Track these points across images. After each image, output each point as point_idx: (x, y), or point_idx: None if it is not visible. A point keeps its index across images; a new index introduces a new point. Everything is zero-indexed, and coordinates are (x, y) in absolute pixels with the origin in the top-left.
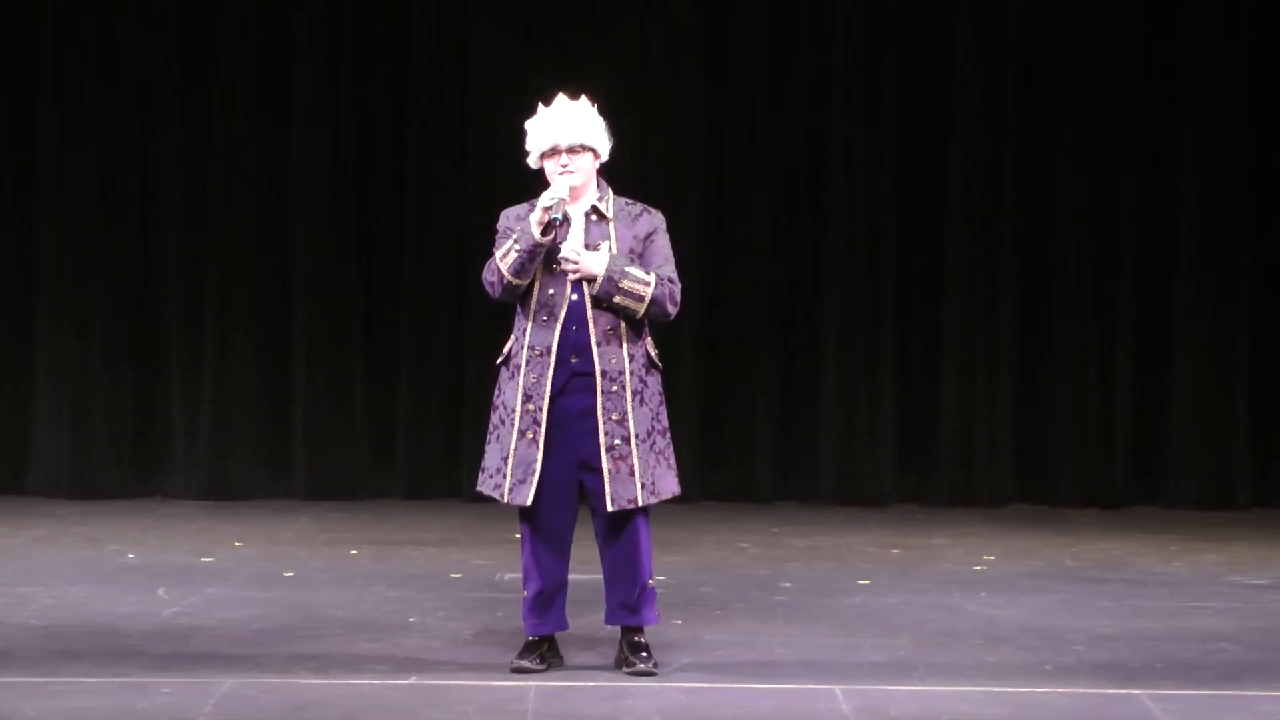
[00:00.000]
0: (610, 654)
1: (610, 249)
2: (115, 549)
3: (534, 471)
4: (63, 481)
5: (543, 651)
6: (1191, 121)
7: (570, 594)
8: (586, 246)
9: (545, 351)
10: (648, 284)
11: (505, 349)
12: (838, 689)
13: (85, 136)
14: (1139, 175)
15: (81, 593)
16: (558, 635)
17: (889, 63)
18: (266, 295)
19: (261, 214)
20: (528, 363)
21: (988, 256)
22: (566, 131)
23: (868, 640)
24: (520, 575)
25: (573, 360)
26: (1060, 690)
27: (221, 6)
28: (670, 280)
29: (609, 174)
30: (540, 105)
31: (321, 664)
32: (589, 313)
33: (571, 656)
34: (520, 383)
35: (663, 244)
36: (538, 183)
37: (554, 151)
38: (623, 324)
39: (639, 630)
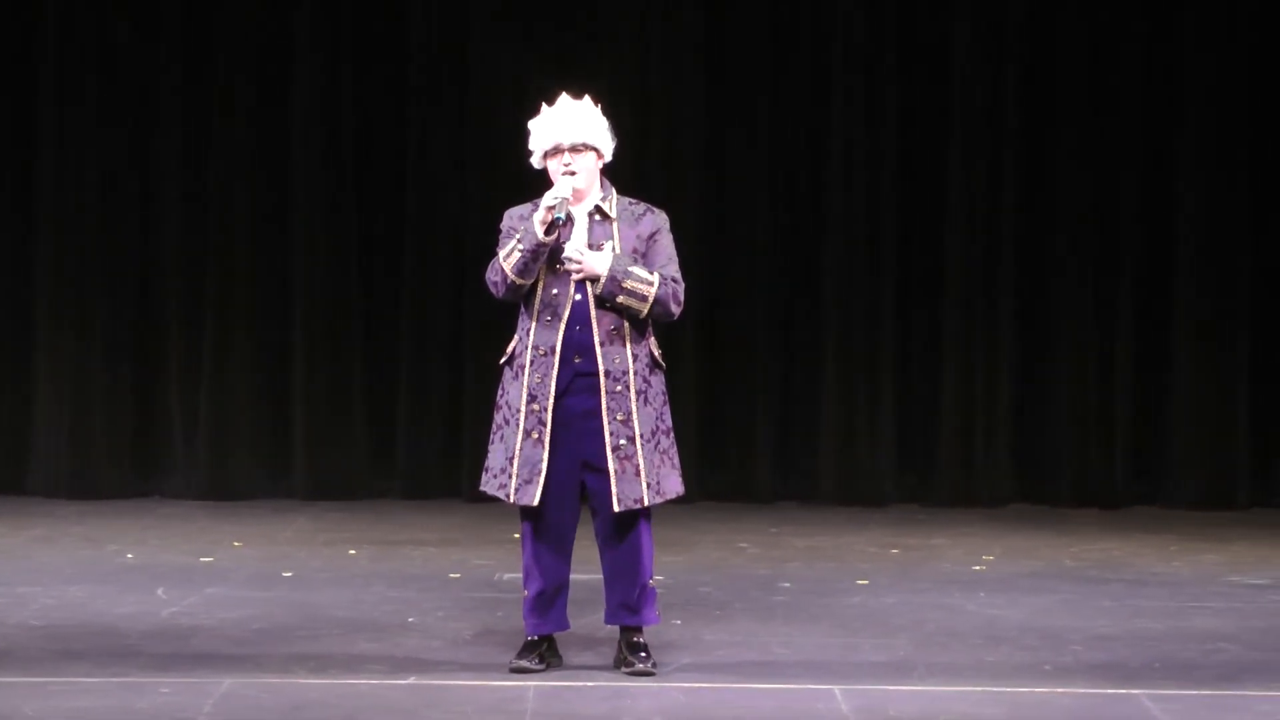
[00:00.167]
0: (609, 654)
1: (614, 249)
2: (114, 549)
3: (540, 471)
4: (62, 481)
5: (542, 651)
6: (1191, 121)
7: (570, 594)
8: (590, 246)
9: (549, 351)
10: (651, 284)
11: (509, 349)
12: (837, 689)
13: (85, 136)
14: (1139, 175)
15: (81, 593)
16: (557, 635)
17: (889, 63)
18: (266, 295)
19: (261, 214)
20: (532, 363)
21: (987, 256)
22: (570, 131)
23: (867, 640)
24: (520, 575)
25: (576, 360)
26: (1060, 690)
27: (221, 6)
28: (674, 280)
29: (610, 174)
30: (543, 104)
31: (321, 664)
32: (593, 313)
33: (571, 656)
34: (525, 383)
35: (666, 244)
36: (538, 182)
37: (557, 151)
38: (626, 324)
39: (638, 630)
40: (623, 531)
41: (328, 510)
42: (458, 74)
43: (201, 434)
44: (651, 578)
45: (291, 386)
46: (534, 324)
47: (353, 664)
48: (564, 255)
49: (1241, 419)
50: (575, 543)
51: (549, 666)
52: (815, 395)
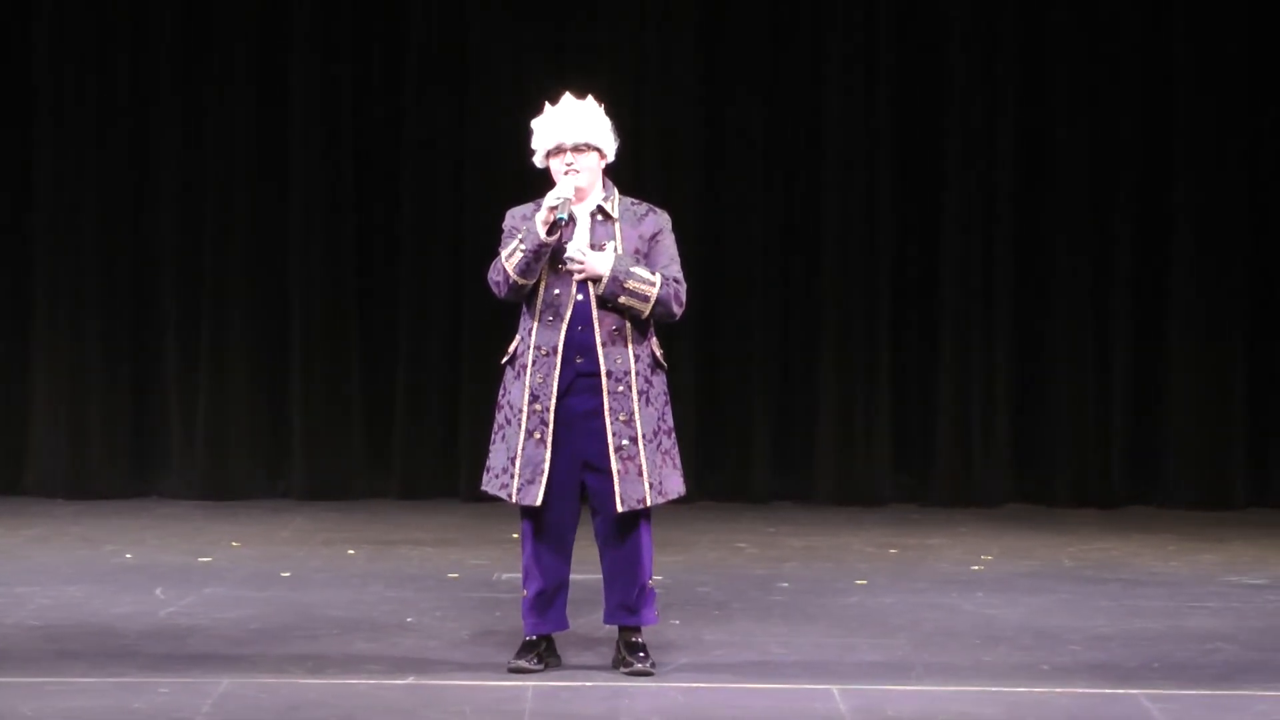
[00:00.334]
0: (608, 654)
1: (615, 249)
2: (112, 549)
3: (543, 472)
4: (60, 481)
5: (540, 651)
6: (1188, 121)
7: (569, 594)
8: (592, 246)
9: (551, 351)
10: (653, 284)
11: (510, 348)
12: (835, 689)
13: (83, 135)
14: (1136, 175)
15: (78, 593)
16: (556, 635)
17: (886, 63)
18: (263, 295)
19: (259, 214)
20: (534, 363)
21: (985, 257)
22: (572, 130)
23: (865, 640)
24: (519, 575)
25: (578, 360)
26: (1057, 690)
27: (220, 5)
28: (676, 280)
29: (609, 174)
30: (546, 104)
31: (319, 664)
32: (594, 313)
33: (569, 656)
34: (526, 383)
35: (668, 244)
36: (537, 182)
37: (559, 150)
38: (628, 324)
39: (637, 630)
40: (623, 532)
41: (325, 510)
42: (457, 74)
43: (199, 434)
44: (651, 578)
45: (289, 387)
46: (536, 324)
47: (350, 664)
48: (566, 255)
49: (1239, 419)
50: (574, 543)
51: (547, 666)
52: (813, 395)
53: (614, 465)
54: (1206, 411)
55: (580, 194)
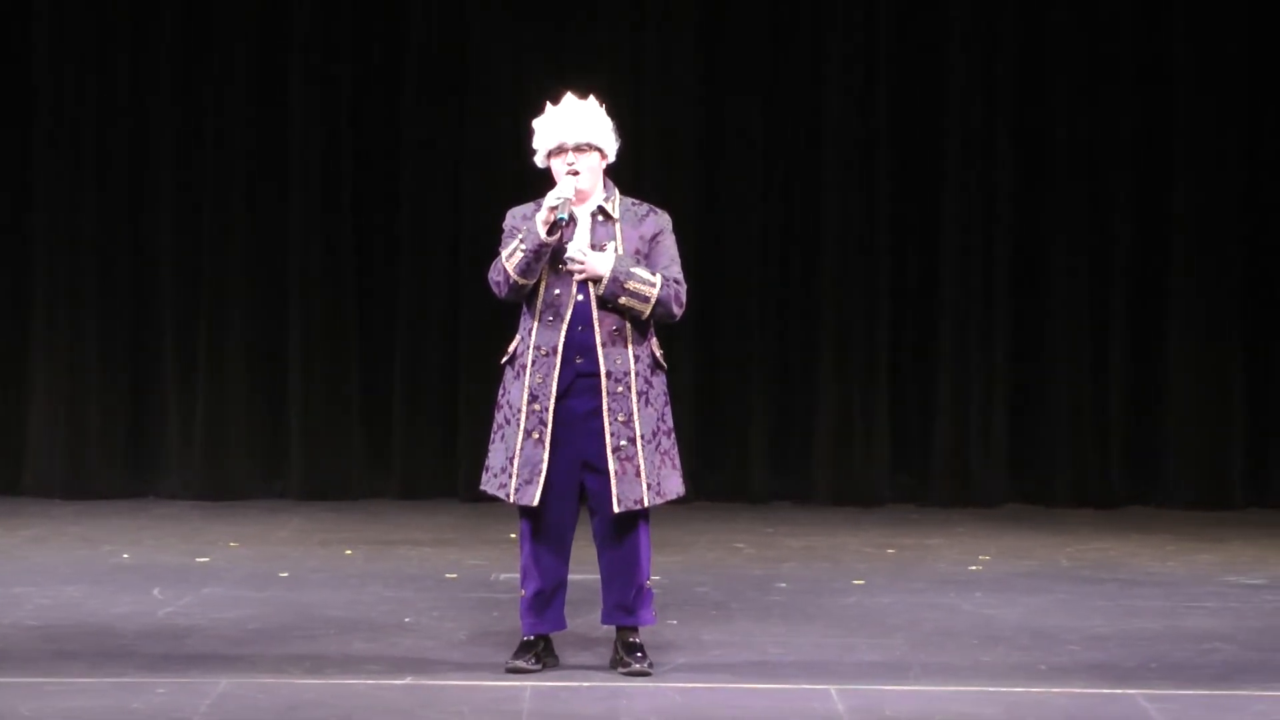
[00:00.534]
0: (606, 654)
1: (616, 249)
2: (110, 549)
3: (540, 472)
4: (58, 481)
5: (538, 651)
6: (1185, 121)
7: (567, 594)
8: (592, 247)
9: (551, 352)
10: (653, 285)
11: (510, 348)
12: (833, 689)
13: (82, 136)
14: (1135, 176)
15: (76, 593)
16: (554, 635)
17: (884, 64)
18: (262, 296)
19: (257, 214)
20: (533, 363)
21: (983, 257)
22: (574, 130)
23: (863, 640)
24: (518, 575)
25: (578, 361)
26: (1055, 690)
27: (219, 5)
28: (676, 281)
29: (608, 174)
30: (548, 104)
31: (317, 664)
32: (594, 313)
33: (567, 657)
34: (526, 383)
35: (669, 244)
36: (536, 183)
37: (561, 150)
38: (628, 325)
39: (635, 631)
40: (621, 532)
41: (323, 510)
42: (456, 74)
43: (197, 434)
44: (648, 579)
45: (288, 387)
46: (536, 324)
47: (349, 664)
48: (566, 255)
49: (1237, 419)
50: (573, 543)
51: (545, 667)
52: (811, 396)
53: (611, 466)
54: (1205, 412)
55: (581, 194)
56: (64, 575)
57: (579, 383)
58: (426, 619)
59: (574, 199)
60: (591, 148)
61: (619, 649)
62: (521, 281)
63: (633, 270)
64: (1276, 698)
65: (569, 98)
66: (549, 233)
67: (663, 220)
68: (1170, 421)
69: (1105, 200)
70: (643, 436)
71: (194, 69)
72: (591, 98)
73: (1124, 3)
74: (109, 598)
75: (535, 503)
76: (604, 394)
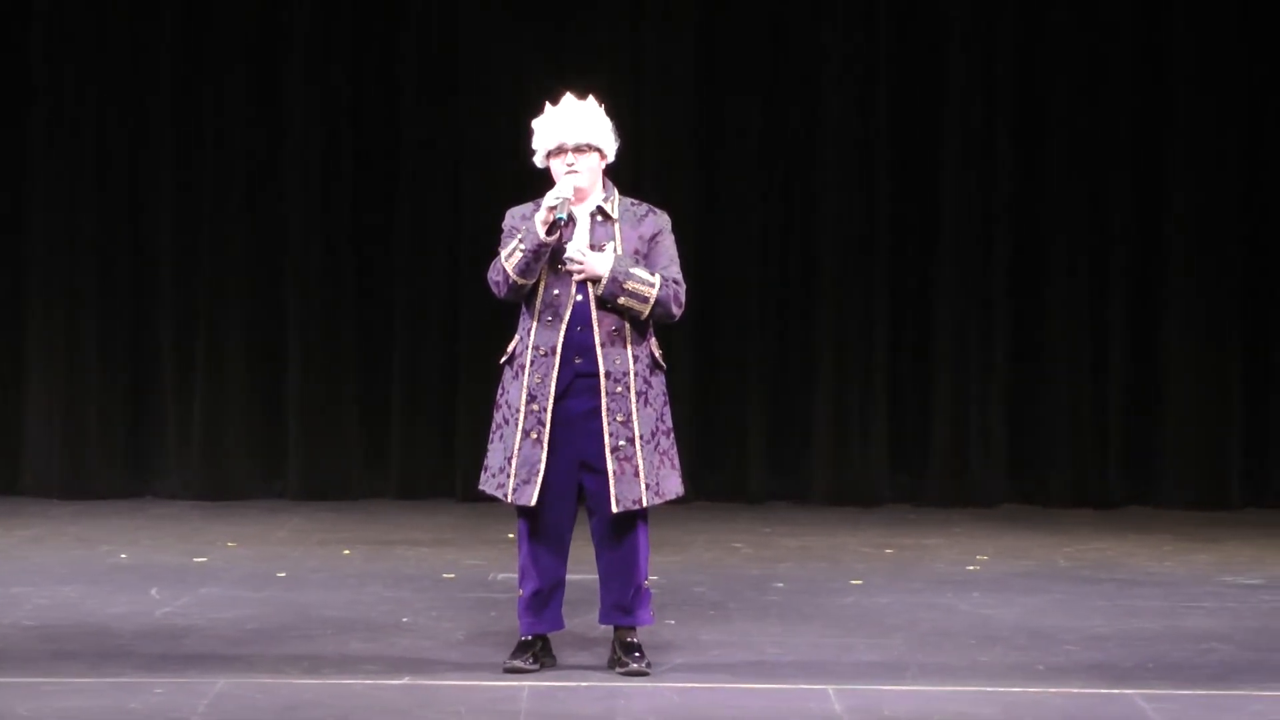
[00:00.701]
0: (604, 654)
1: (615, 250)
2: (108, 549)
3: (538, 472)
4: (55, 481)
5: (536, 651)
6: (1183, 121)
7: (564, 594)
8: (591, 247)
9: (550, 352)
10: (652, 285)
11: (509, 348)
12: (831, 689)
13: (78, 136)
14: (1131, 176)
15: (74, 593)
16: (552, 635)
17: (882, 64)
18: (260, 296)
19: (255, 213)
20: (532, 363)
21: (981, 257)
22: (573, 131)
23: (861, 640)
24: (515, 575)
25: (577, 361)
26: (1053, 690)
27: (217, 5)
28: (675, 281)
29: (606, 174)
30: (547, 104)
31: (314, 664)
32: (594, 314)
33: (565, 656)
34: (525, 383)
35: (668, 245)
36: (534, 182)
37: (561, 150)
38: (627, 325)
39: (632, 630)
40: (620, 532)
41: (321, 510)
42: (454, 74)
43: (195, 434)
44: (646, 579)
45: (285, 386)
46: (535, 324)
47: (346, 664)
48: (565, 256)
49: (1235, 419)
50: (571, 542)
51: (543, 666)
52: (808, 395)
53: (610, 466)
54: (1203, 412)
55: (580, 194)
56: (62, 575)
57: (578, 383)
58: (424, 619)
59: (573, 199)
60: (591, 148)
61: (617, 649)
62: (521, 281)
63: (631, 270)
64: (1273, 697)
65: (568, 98)
66: (548, 233)
67: (662, 220)
68: (1168, 422)
69: (1104, 200)
70: (641, 437)
71: (192, 69)
72: (591, 98)
73: (1124, 2)
74: (107, 598)
75: (533, 503)
76: (603, 394)
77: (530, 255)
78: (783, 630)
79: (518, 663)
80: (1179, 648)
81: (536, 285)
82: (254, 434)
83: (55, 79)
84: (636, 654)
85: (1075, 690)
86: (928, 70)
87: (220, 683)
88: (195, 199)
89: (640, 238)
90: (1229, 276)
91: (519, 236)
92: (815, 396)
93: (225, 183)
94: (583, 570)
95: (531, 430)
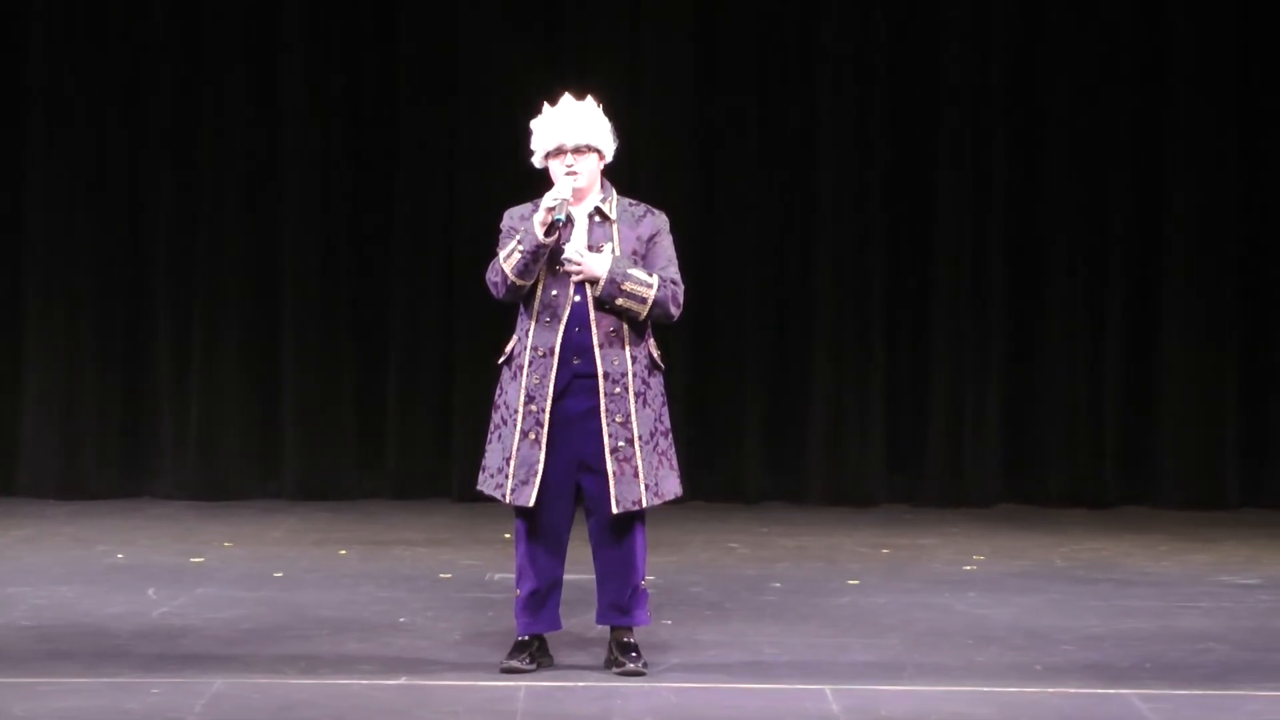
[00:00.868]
0: (600, 654)
1: (613, 250)
2: (104, 549)
3: (537, 473)
4: (51, 482)
5: (532, 651)
6: (1182, 121)
7: (561, 594)
8: (589, 248)
9: (548, 352)
10: (650, 286)
11: (507, 348)
12: (827, 689)
13: (76, 135)
14: (1129, 176)
15: (70, 593)
16: (548, 635)
17: (878, 65)
18: (256, 295)
19: (251, 213)
20: (530, 363)
21: (979, 257)
22: (572, 132)
23: (857, 640)
24: (512, 575)
25: (575, 362)
26: (1049, 690)
27: (211, 5)
28: (673, 282)
29: (607, 175)
30: (546, 104)
31: (311, 664)
32: (592, 314)
33: (561, 657)
34: (523, 383)
35: (666, 245)
36: (531, 182)
37: (560, 152)
38: (625, 326)
39: (629, 631)
40: (618, 533)
41: (317, 510)
42: (451, 74)
43: (191, 434)
44: (643, 579)
45: (281, 387)
46: (533, 325)
47: (343, 664)
48: (563, 257)
49: (1231, 419)
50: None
51: (540, 667)
52: (805, 395)
53: (609, 466)
54: (1200, 412)
55: (579, 195)
56: (58, 575)
57: (576, 383)
58: (421, 619)
59: (571, 200)
60: (590, 149)
61: (614, 649)
62: (519, 282)
63: (629, 271)
64: (1270, 697)
65: (567, 98)
66: (546, 234)
67: (660, 221)
68: (1165, 422)
69: (1102, 200)
70: (640, 437)
71: (192, 69)
72: (590, 98)
73: (1121, 2)
74: (103, 598)
75: (531, 503)
76: (601, 395)
77: (528, 256)
78: (779, 630)
79: (514, 663)
80: (1175, 648)
81: (535, 286)
82: (250, 434)
83: (54, 79)
84: (633, 654)
85: (1071, 690)
86: (925, 70)
87: (217, 683)
88: (193, 199)
89: (638, 238)
90: (1227, 277)
91: (517, 237)
92: (812, 396)
93: (223, 183)
94: (580, 570)
95: (530, 431)
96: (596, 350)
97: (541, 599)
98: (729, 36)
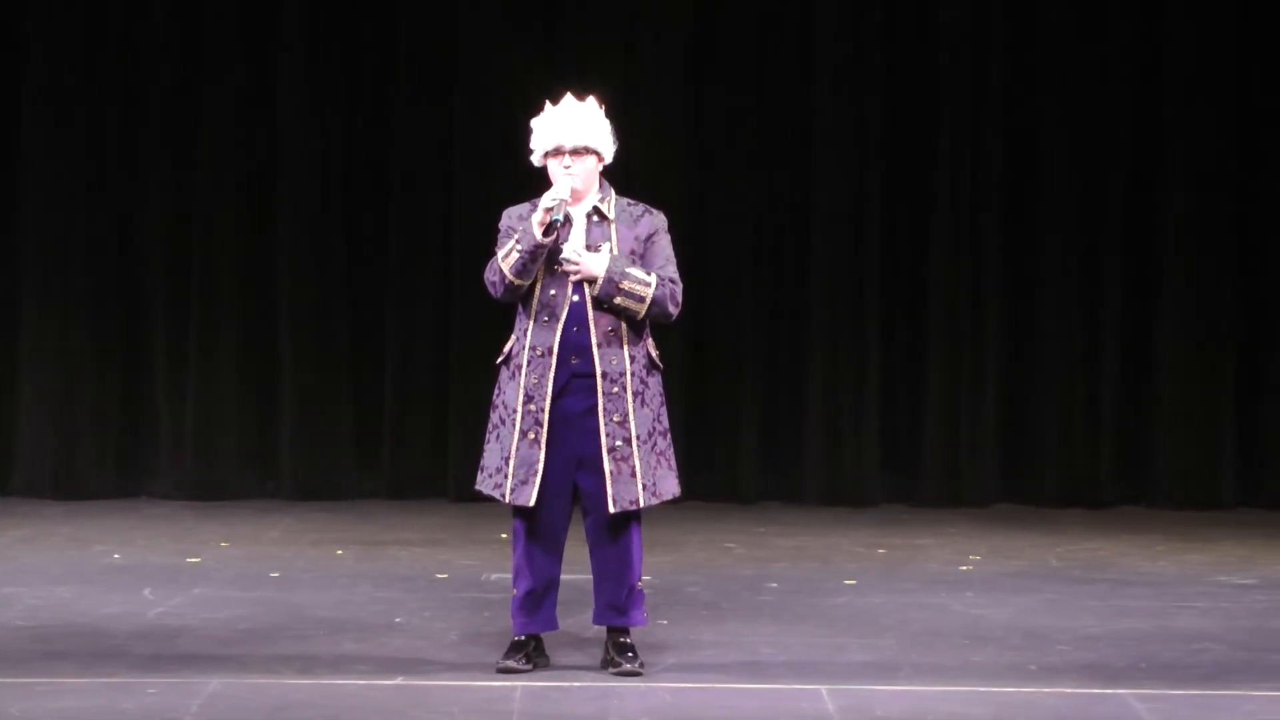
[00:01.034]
0: (597, 654)
1: (611, 250)
2: (101, 549)
3: (536, 472)
4: (48, 482)
5: (529, 651)
6: (1179, 122)
7: (558, 594)
8: (588, 247)
9: (546, 352)
10: (648, 285)
11: (506, 348)
12: (824, 689)
13: (71, 136)
14: (1125, 177)
15: (67, 593)
16: (545, 636)
17: (876, 63)
18: (252, 296)
19: (247, 213)
20: (529, 363)
21: (974, 257)
22: (571, 133)
23: (854, 640)
24: (509, 575)
25: (573, 361)
26: (1045, 690)
27: (208, 5)
28: (671, 281)
29: (606, 175)
30: (547, 103)
31: (307, 664)
32: (590, 314)
33: (558, 657)
34: (521, 383)
35: (664, 245)
36: (529, 183)
37: (558, 152)
38: (624, 325)
39: (626, 631)
40: (614, 533)
41: (314, 511)
42: (448, 74)
43: (188, 434)
44: (640, 579)
45: (278, 387)
46: (531, 324)
47: (339, 664)
48: (561, 256)
49: (1227, 419)
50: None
51: (536, 667)
52: (802, 396)
53: (607, 466)
54: (1196, 412)
55: (577, 195)
56: (54, 576)
57: (574, 383)
58: (417, 619)
59: (570, 199)
60: (589, 151)
61: (610, 649)
62: (517, 282)
63: (627, 270)
64: (1266, 697)
65: (568, 98)
66: (545, 233)
67: (658, 220)
68: (1161, 422)
69: (1098, 201)
70: (638, 437)
71: (190, 69)
72: (591, 99)
73: (1116, 3)
74: (100, 598)
75: (531, 503)
76: (600, 394)
77: (526, 255)
78: (776, 630)
79: (511, 663)
80: (1171, 648)
81: (533, 286)
82: (247, 434)
83: (53, 79)
84: (630, 654)
85: (1068, 690)
86: (922, 70)
87: (213, 683)
88: (189, 198)
89: (636, 238)
90: (1223, 278)
91: (515, 237)
92: (808, 397)
93: (219, 181)
94: (576, 570)
95: (529, 430)
96: (595, 350)
97: (538, 599)
98: (727, 37)
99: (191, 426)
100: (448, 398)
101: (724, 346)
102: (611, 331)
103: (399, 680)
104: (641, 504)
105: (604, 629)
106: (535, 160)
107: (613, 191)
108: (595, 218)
